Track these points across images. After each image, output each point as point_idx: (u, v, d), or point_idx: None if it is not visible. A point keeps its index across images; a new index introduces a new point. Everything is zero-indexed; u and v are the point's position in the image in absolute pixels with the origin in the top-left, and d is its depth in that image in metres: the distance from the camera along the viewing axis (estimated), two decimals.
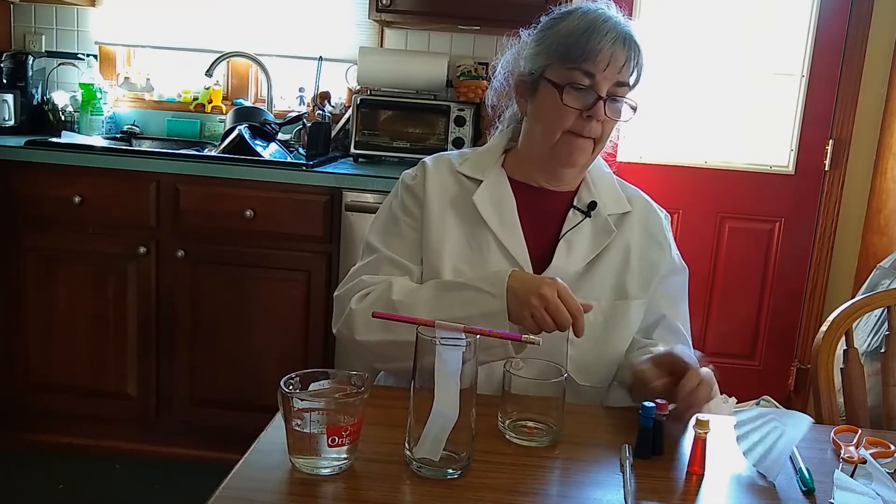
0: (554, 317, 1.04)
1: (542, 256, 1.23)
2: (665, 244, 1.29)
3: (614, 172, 1.35)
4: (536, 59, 1.22)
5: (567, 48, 1.17)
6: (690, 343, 1.27)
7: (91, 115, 2.85)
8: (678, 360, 1.05)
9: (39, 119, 2.92)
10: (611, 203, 1.28)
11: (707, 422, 0.93)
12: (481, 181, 1.26)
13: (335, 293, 1.25)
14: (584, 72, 1.16)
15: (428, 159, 1.32)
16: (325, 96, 2.91)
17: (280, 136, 2.72)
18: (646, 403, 0.97)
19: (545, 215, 1.26)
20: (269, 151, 2.59)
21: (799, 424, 0.96)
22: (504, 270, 1.12)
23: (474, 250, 1.22)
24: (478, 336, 0.90)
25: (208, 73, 2.80)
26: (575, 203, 1.27)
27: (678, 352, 1.07)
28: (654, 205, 1.33)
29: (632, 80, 1.19)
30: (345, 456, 0.87)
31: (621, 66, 1.16)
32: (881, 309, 1.52)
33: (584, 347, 1.17)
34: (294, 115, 2.81)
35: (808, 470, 0.93)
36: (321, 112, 2.84)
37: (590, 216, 1.26)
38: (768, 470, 0.94)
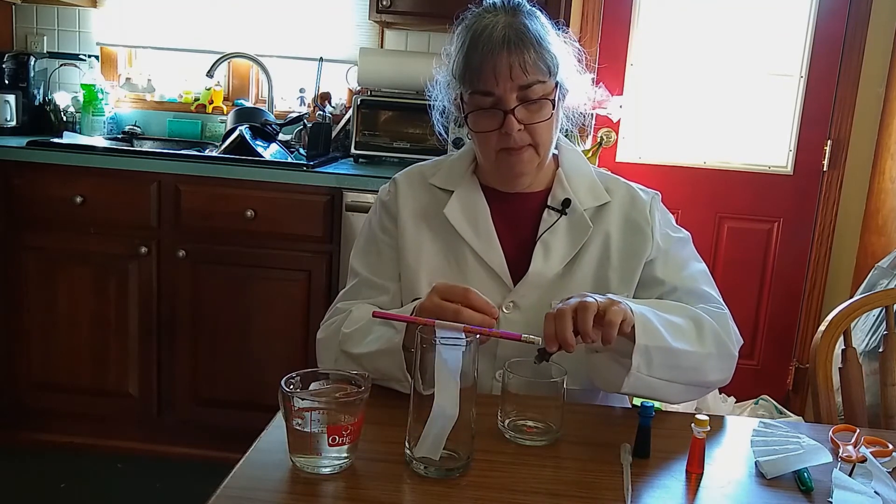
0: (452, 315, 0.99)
1: (520, 261, 1.20)
2: (647, 227, 1.22)
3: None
4: (453, 85, 1.21)
5: (460, 75, 1.16)
6: (720, 298, 1.22)
7: (92, 115, 2.86)
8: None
9: (41, 120, 2.93)
10: (587, 197, 1.24)
11: (706, 421, 0.94)
12: (452, 192, 1.25)
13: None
14: (481, 92, 1.14)
15: (399, 175, 1.31)
16: (325, 97, 2.91)
17: (281, 136, 2.72)
18: (646, 403, 0.98)
19: (520, 218, 1.24)
20: (270, 152, 2.59)
21: (818, 454, 0.95)
22: (412, 304, 1.10)
23: (451, 264, 1.21)
24: (478, 336, 0.91)
25: (209, 74, 2.80)
26: (549, 202, 1.24)
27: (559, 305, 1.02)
28: (639, 190, 1.28)
29: (540, 75, 1.12)
30: (345, 455, 0.88)
31: (509, 73, 1.10)
32: (879, 308, 1.52)
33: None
34: (295, 115, 2.82)
35: (806, 469, 0.94)
36: (322, 113, 2.84)
37: (565, 214, 1.22)
38: (769, 468, 0.94)
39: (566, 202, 1.23)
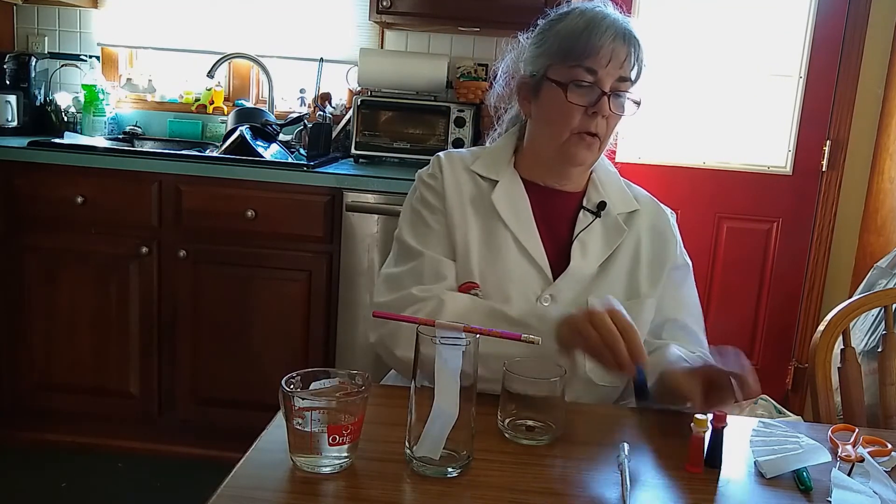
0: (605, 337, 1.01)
1: (556, 257, 1.22)
2: (672, 240, 1.29)
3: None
4: (537, 61, 1.22)
5: (568, 47, 1.18)
6: (704, 335, 1.27)
7: (93, 116, 2.87)
8: (712, 370, 1.05)
9: (42, 120, 2.93)
10: (619, 202, 1.28)
11: (705, 421, 0.94)
12: (496, 181, 1.26)
13: (375, 299, 1.22)
14: (586, 69, 1.17)
15: (441, 155, 1.31)
16: (325, 97, 2.92)
17: (281, 136, 2.73)
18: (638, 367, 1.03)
19: (556, 216, 1.26)
20: (271, 152, 2.60)
21: (817, 454, 0.96)
22: (555, 315, 1.10)
23: (492, 250, 1.22)
24: (478, 336, 0.91)
25: (210, 75, 2.81)
26: (584, 203, 1.27)
27: (710, 363, 1.07)
28: (661, 204, 1.34)
29: (633, 76, 1.20)
30: (345, 454, 0.88)
31: (622, 61, 1.17)
32: (878, 308, 1.53)
33: None
34: (295, 115, 2.83)
35: (805, 469, 0.94)
36: (322, 113, 2.85)
37: (599, 216, 1.26)
38: (768, 468, 0.94)
39: (601, 205, 1.27)
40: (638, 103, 1.21)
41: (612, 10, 1.20)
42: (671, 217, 1.33)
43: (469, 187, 1.26)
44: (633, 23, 1.20)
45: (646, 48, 1.21)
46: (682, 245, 1.32)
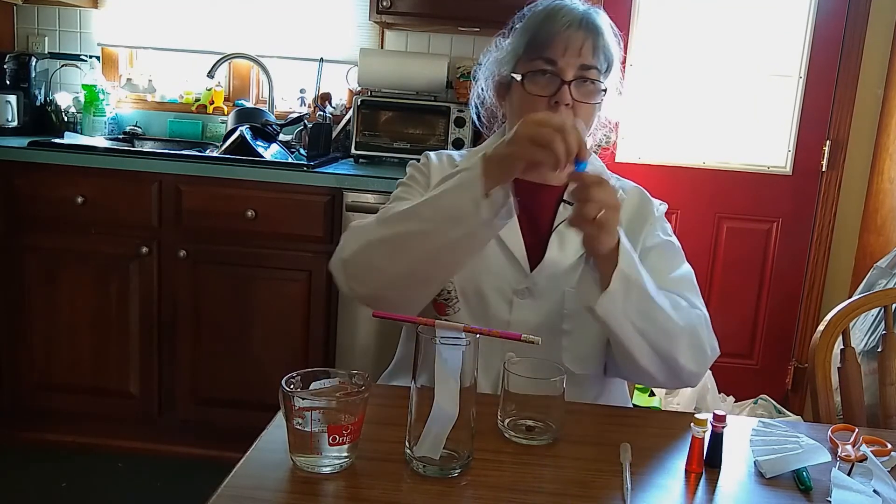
0: (558, 130, 0.95)
1: (536, 251, 1.23)
2: (649, 218, 1.27)
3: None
4: (508, 60, 1.23)
5: (528, 41, 1.19)
6: (700, 301, 1.22)
7: (94, 116, 2.87)
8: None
9: (42, 120, 2.93)
10: None
11: (705, 421, 0.94)
12: None
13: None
14: (545, 59, 1.16)
15: (430, 153, 1.35)
16: (325, 97, 2.92)
17: (281, 136, 2.73)
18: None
19: (538, 210, 1.26)
20: (271, 152, 2.60)
21: (817, 454, 0.96)
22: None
23: None
24: (478, 336, 0.91)
25: (210, 75, 2.81)
26: (565, 196, 1.26)
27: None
28: (650, 195, 1.32)
29: (597, 63, 1.17)
30: (346, 454, 0.88)
31: (580, 48, 1.15)
32: (878, 308, 1.53)
33: (578, 336, 1.18)
34: (295, 115, 2.83)
35: (805, 469, 0.94)
36: (322, 113, 2.85)
37: None
38: (768, 468, 0.95)
39: None
40: (605, 90, 1.19)
41: (570, 2, 1.20)
42: (659, 206, 1.31)
43: None
44: (595, 11, 1.20)
45: (609, 36, 1.19)
46: (667, 229, 1.29)
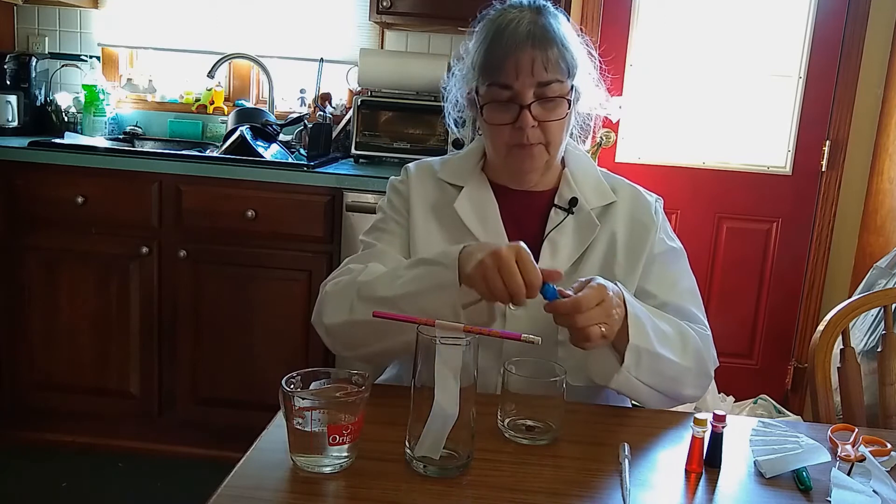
0: (506, 280, 0.97)
1: None
2: (652, 225, 1.24)
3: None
4: (470, 77, 1.21)
5: (479, 67, 1.17)
6: (703, 315, 1.23)
7: (94, 116, 2.87)
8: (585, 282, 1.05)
9: (43, 120, 2.94)
10: (593, 196, 1.26)
11: (705, 421, 0.94)
12: (462, 187, 1.25)
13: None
14: (500, 85, 1.14)
15: (411, 165, 1.32)
16: (326, 97, 2.92)
17: (281, 136, 2.73)
18: (548, 286, 1.01)
19: (528, 216, 1.25)
20: (271, 152, 2.60)
21: (817, 454, 0.96)
22: (459, 245, 1.07)
23: None
24: (478, 335, 0.91)
25: (210, 75, 2.81)
26: (556, 201, 1.25)
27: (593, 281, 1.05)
28: (643, 191, 1.30)
29: (557, 74, 1.14)
30: (346, 454, 0.88)
31: (531, 67, 1.12)
32: (877, 308, 1.52)
33: (575, 348, 1.17)
34: (295, 116, 2.83)
35: (805, 468, 0.94)
36: (322, 113, 2.85)
37: (572, 213, 1.23)
38: (768, 468, 0.95)
39: (573, 201, 1.24)
40: (570, 102, 1.17)
41: (516, 13, 1.16)
42: (655, 203, 1.28)
43: (435, 195, 1.27)
44: (542, 14, 1.15)
45: (565, 38, 1.15)
46: (669, 231, 1.28)
